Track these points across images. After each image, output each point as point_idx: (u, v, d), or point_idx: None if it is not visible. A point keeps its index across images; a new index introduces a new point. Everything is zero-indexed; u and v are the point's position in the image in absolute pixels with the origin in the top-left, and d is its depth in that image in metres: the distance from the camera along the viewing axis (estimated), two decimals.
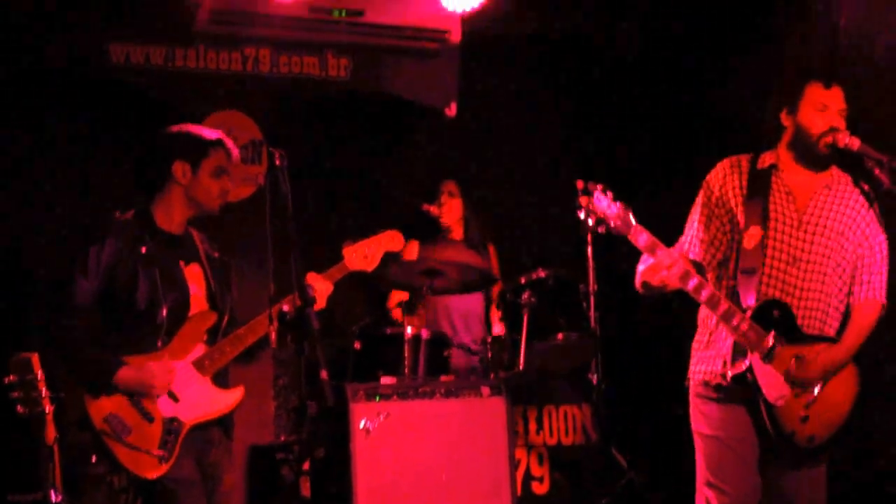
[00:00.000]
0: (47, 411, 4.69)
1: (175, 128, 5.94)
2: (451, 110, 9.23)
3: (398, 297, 8.56)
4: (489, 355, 7.98)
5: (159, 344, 5.65)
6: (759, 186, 5.74)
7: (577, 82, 10.03)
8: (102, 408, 5.48)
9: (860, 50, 7.52)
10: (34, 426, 4.69)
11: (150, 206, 5.84)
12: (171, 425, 5.58)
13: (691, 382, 5.84)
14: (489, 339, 8.08)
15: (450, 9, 8.55)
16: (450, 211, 8.87)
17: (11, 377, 4.66)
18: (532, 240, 9.67)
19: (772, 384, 5.53)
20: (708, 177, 5.87)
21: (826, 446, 5.66)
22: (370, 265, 6.25)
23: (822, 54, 7.80)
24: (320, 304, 5.88)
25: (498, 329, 8.43)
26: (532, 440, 7.77)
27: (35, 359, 4.69)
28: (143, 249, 5.69)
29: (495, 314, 8.69)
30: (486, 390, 7.54)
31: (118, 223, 5.75)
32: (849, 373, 5.69)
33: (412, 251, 8.71)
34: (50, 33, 8.13)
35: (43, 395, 4.68)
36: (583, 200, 5.53)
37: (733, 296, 5.61)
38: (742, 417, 5.65)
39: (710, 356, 5.75)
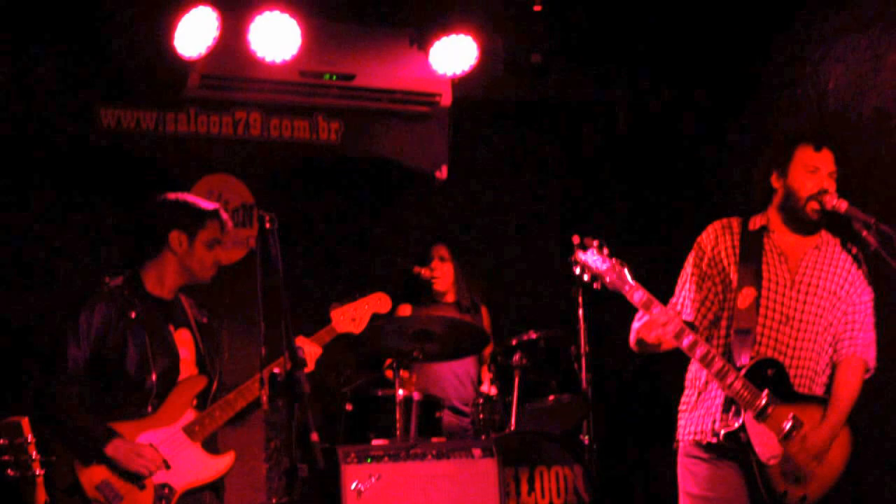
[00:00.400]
0: (38, 474, 4.69)
1: (173, 196, 5.99)
2: (442, 173, 9.25)
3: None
4: (481, 417, 7.97)
5: (149, 409, 5.67)
6: (751, 247, 5.79)
7: (567, 146, 10.08)
8: (94, 475, 5.48)
9: (848, 113, 7.57)
10: (24, 490, 4.69)
11: (140, 271, 5.86)
12: (163, 492, 5.59)
13: (681, 444, 5.84)
14: (481, 401, 8.06)
15: (440, 72, 8.59)
16: (442, 276, 8.87)
17: (2, 441, 4.66)
18: (523, 301, 9.68)
19: (765, 443, 5.55)
20: (699, 238, 5.91)
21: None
22: (358, 327, 6.30)
23: (810, 117, 7.86)
24: (310, 367, 5.89)
25: (489, 390, 8.42)
26: (524, 501, 7.74)
27: (25, 423, 4.69)
28: (133, 314, 5.72)
29: (487, 375, 8.68)
30: (477, 452, 7.53)
31: (108, 288, 5.78)
32: (843, 432, 5.72)
33: (405, 314, 8.71)
34: (41, 98, 8.15)
35: (33, 459, 4.68)
36: (579, 255, 5.56)
37: (727, 354, 5.64)
38: (732, 477, 5.66)
39: (699, 416, 5.76)
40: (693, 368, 5.92)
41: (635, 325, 5.80)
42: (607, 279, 5.53)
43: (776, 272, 5.76)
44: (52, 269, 8.27)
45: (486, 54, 8.57)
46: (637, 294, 5.54)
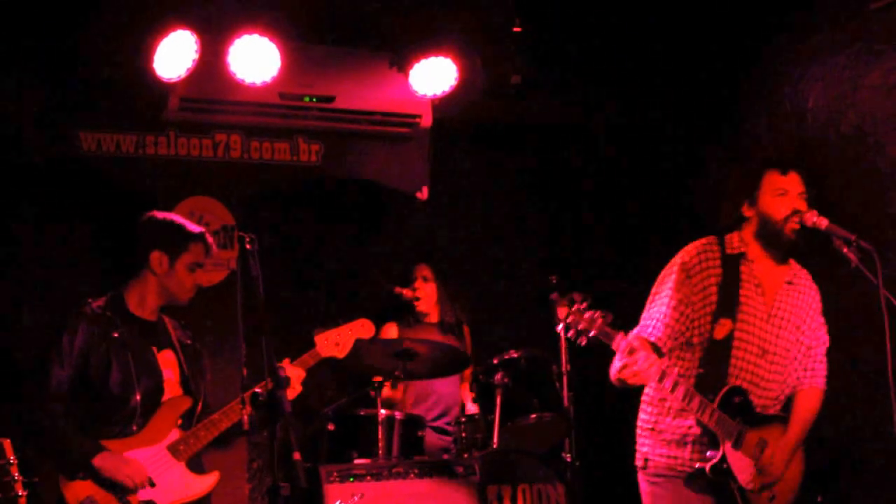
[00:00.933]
0: (20, 495, 4.69)
1: (160, 215, 6.03)
2: (423, 194, 9.27)
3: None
4: (463, 435, 7.99)
5: (134, 428, 5.69)
6: (730, 274, 5.84)
7: (546, 167, 10.10)
8: (78, 491, 5.49)
9: (827, 132, 7.62)
10: None
11: (123, 291, 5.89)
12: None
13: (649, 465, 5.89)
14: (463, 420, 8.08)
15: (420, 94, 8.61)
16: (425, 296, 8.87)
17: None
18: (504, 320, 9.70)
19: (742, 469, 5.69)
20: (682, 260, 5.93)
21: None
22: (342, 352, 6.35)
23: (789, 136, 7.90)
24: (295, 388, 5.93)
25: (471, 409, 8.43)
26: None
27: (7, 444, 4.69)
28: (116, 335, 5.74)
29: (468, 394, 8.69)
30: (459, 470, 7.55)
31: (90, 309, 5.79)
32: (797, 452, 5.97)
33: (390, 333, 8.73)
34: (20, 122, 8.15)
35: (16, 480, 4.67)
36: (560, 313, 5.58)
37: (699, 385, 5.69)
38: (706, 500, 5.81)
39: (667, 441, 5.84)
40: (655, 395, 5.99)
41: (616, 364, 5.81)
42: (592, 334, 5.56)
43: (754, 304, 5.86)
44: (35, 292, 8.27)
45: (465, 76, 8.59)
46: (623, 344, 5.58)
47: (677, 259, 5.98)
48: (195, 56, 7.86)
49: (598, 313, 5.56)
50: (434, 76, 8.55)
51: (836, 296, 7.29)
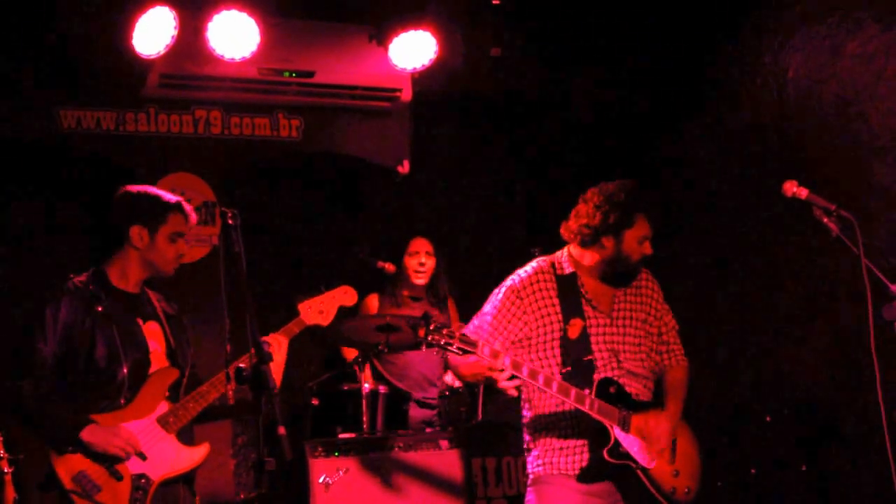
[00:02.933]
0: (5, 472, 4.70)
1: (135, 188, 5.99)
2: (404, 168, 9.27)
3: (352, 353, 8.57)
4: (447, 409, 8.01)
5: (122, 401, 5.67)
6: (568, 288, 5.94)
7: (526, 137, 10.11)
8: (71, 467, 5.47)
9: (809, 101, 7.62)
10: None
11: (104, 266, 5.87)
12: (140, 482, 5.61)
13: (543, 472, 5.91)
14: (447, 393, 8.10)
15: (400, 68, 8.61)
16: (427, 271, 8.82)
17: None
18: (486, 291, 9.71)
19: (639, 450, 5.73)
20: (511, 286, 5.97)
21: (697, 497, 5.98)
22: (325, 320, 6.32)
23: (770, 106, 7.91)
24: (282, 357, 5.94)
25: (454, 382, 8.44)
26: (491, 492, 7.78)
27: None
28: (100, 308, 5.72)
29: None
30: (444, 443, 7.58)
31: (73, 284, 5.78)
32: (683, 427, 6.08)
33: (372, 305, 8.72)
34: None
35: (1, 457, 4.68)
36: (420, 333, 5.50)
37: (569, 381, 5.71)
38: (612, 491, 5.85)
39: (555, 446, 5.91)
40: (529, 414, 6.04)
41: (460, 361, 5.83)
42: (453, 347, 5.50)
43: (595, 313, 5.95)
44: (17, 270, 8.27)
45: (445, 49, 8.59)
46: (486, 349, 5.53)
47: (506, 282, 6.03)
48: (174, 32, 7.85)
49: (452, 328, 5.58)
50: (414, 50, 8.56)
51: (816, 265, 7.35)
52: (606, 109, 9.43)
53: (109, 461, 5.55)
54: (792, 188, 5.70)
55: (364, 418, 7.67)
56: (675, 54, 8.65)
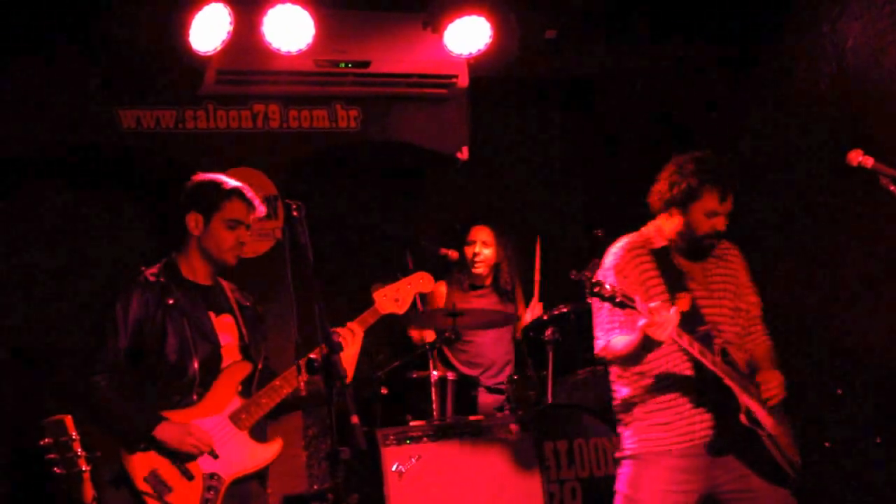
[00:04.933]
0: (84, 470, 4.72)
1: (199, 177, 5.98)
2: (463, 154, 9.25)
3: (418, 333, 8.60)
4: (516, 393, 7.98)
5: (195, 398, 5.65)
6: (665, 263, 5.92)
7: (586, 119, 10.09)
8: (143, 466, 5.46)
9: (868, 69, 7.56)
10: (71, 487, 4.72)
11: (176, 258, 5.87)
12: (211, 482, 5.56)
13: (639, 448, 5.87)
14: (516, 377, 8.07)
15: (455, 54, 8.59)
16: (485, 259, 8.75)
17: (47, 440, 4.69)
18: (550, 276, 9.68)
19: (764, 418, 5.66)
20: (615, 265, 5.92)
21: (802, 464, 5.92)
22: (401, 308, 6.19)
23: (829, 75, 7.85)
24: (357, 346, 5.90)
25: (524, 366, 8.43)
26: (564, 475, 7.76)
27: (69, 420, 4.72)
28: (171, 301, 5.69)
29: (521, 352, 8.68)
30: (515, 428, 7.58)
31: (144, 277, 5.76)
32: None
33: (440, 293, 8.69)
34: (60, 103, 8.19)
35: (79, 455, 4.70)
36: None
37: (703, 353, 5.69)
38: (731, 463, 5.79)
39: (657, 421, 5.87)
40: (627, 391, 6.00)
41: (620, 338, 5.84)
42: (617, 300, 5.50)
43: (694, 285, 5.93)
44: (86, 269, 8.35)
45: (500, 33, 8.57)
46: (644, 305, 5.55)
47: (613, 265, 5.97)
48: (230, 28, 7.88)
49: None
50: (468, 35, 8.53)
51: (885, 235, 7.28)
52: (664, 87, 9.38)
53: (182, 459, 5.54)
54: (857, 157, 5.66)
55: (434, 405, 7.67)
56: (733, 28, 8.59)
